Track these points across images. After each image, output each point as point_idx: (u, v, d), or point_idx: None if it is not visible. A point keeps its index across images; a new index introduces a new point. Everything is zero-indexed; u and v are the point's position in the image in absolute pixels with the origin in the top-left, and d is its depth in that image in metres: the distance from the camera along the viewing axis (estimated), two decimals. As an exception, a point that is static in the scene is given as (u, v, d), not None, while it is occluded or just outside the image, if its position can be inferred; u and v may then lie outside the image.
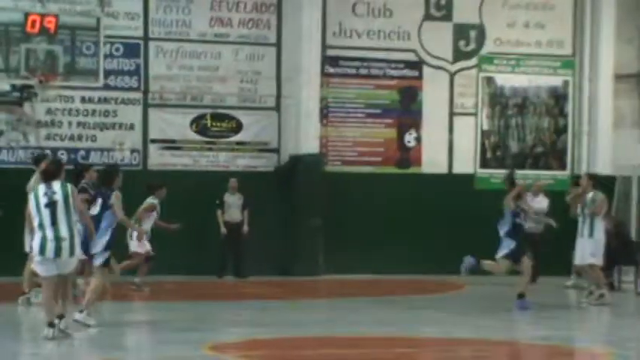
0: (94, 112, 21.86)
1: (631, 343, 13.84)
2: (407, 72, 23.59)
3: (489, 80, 24.01)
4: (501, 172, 23.55)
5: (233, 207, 21.32)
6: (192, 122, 22.49)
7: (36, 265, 12.87)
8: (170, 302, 17.49)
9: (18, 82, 20.57)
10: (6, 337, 13.08)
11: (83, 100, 21.76)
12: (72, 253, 12.56)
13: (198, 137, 22.52)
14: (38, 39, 20.20)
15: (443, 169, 23.70)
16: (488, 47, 23.92)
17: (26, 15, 20.21)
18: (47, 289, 12.68)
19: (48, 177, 12.80)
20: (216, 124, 22.64)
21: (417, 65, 23.59)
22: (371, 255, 21.65)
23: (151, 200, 18.45)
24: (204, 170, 22.18)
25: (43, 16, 20.25)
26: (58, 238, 12.43)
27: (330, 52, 23.09)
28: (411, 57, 23.55)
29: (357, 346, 13.32)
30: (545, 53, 24.19)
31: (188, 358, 11.84)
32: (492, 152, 24.09)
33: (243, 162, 22.62)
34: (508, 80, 24.10)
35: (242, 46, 22.70)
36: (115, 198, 14.04)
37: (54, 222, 12.47)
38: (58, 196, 12.55)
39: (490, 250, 21.27)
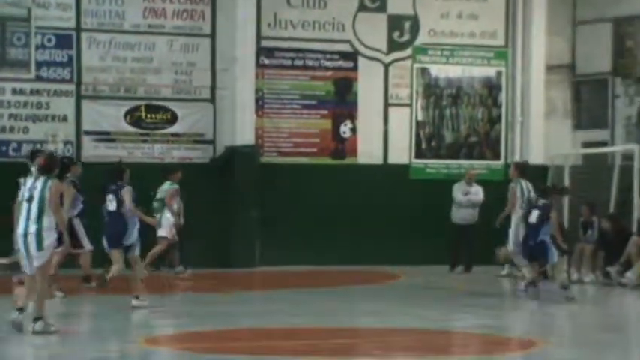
0: (25, 103, 21.61)
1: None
2: (342, 63, 23.58)
3: (424, 71, 24.07)
4: (436, 163, 23.93)
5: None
6: (126, 114, 22.31)
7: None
8: (108, 294, 17.34)
9: (-54, 74, 20.39)
10: None
11: (14, 91, 21.49)
12: (39, 247, 12.58)
13: (132, 129, 22.35)
14: (-34, 30, 19.99)
15: (378, 159, 23.72)
16: (422, 38, 23.97)
17: (-47, 5, 20.00)
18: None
19: (44, 172, 12.94)
20: (150, 116, 22.49)
21: (352, 56, 23.59)
22: (308, 246, 21.63)
23: (171, 186, 19.10)
24: (139, 162, 21.97)
25: (-29, 6, 20.06)
26: (25, 234, 12.61)
27: (265, 44, 23.01)
28: (346, 48, 23.54)
29: (293, 337, 13.30)
30: (479, 44, 24.29)
31: (123, 351, 11.70)
32: (427, 143, 24.15)
33: (178, 154, 22.49)
34: (442, 71, 24.17)
35: (176, 37, 22.55)
36: (127, 193, 15.31)
37: (28, 217, 12.65)
38: (37, 192, 12.69)
39: (424, 238, 21.51)
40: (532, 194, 17.72)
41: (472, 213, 21.71)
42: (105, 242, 15.63)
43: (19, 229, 12.73)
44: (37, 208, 12.64)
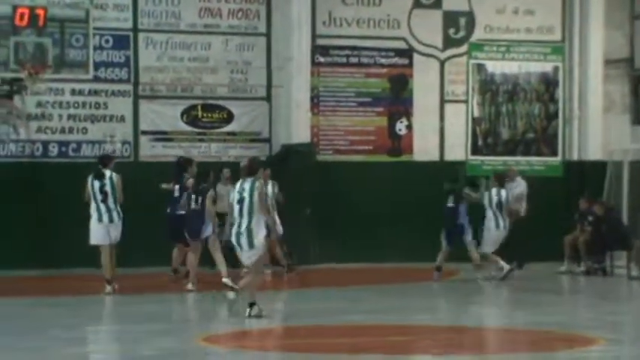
0: (84, 104, 21.78)
1: (624, 328, 13.85)
2: (397, 60, 23.54)
3: (480, 67, 23.96)
4: (492, 159, 23.81)
5: (226, 197, 21.18)
6: (182, 113, 22.43)
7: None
8: (166, 293, 17.47)
9: (7, 75, 20.58)
10: None
11: (73, 92, 21.67)
12: (251, 245, 13.82)
13: (189, 128, 22.46)
14: (27, 32, 20.18)
15: (434, 156, 23.65)
16: (478, 34, 23.87)
17: (15, 7, 20.22)
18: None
19: (249, 174, 14.06)
20: (207, 115, 22.59)
21: (407, 53, 23.53)
22: (364, 244, 21.65)
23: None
24: (196, 161, 22.07)
25: (31, 8, 20.24)
26: (238, 233, 13.86)
27: (320, 42, 23.02)
28: (401, 45, 23.49)
29: (350, 334, 13.30)
30: (535, 39, 24.14)
31: (183, 350, 11.76)
32: (483, 139, 24.03)
33: (234, 152, 22.55)
34: (498, 67, 24.04)
35: (232, 37, 22.63)
36: (209, 197, 17.35)
37: (240, 216, 13.83)
38: (246, 194, 13.84)
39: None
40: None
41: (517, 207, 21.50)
42: (186, 235, 17.26)
43: (234, 228, 13.84)
44: (247, 209, 13.74)
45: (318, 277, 20.63)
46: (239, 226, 13.79)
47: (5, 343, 12.15)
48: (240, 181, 14.10)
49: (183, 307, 16.51)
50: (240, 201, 13.84)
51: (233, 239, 13.91)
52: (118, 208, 17.17)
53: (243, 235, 13.75)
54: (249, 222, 13.74)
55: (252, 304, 13.80)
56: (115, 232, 17.17)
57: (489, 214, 19.32)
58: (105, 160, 17.75)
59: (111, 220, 17.09)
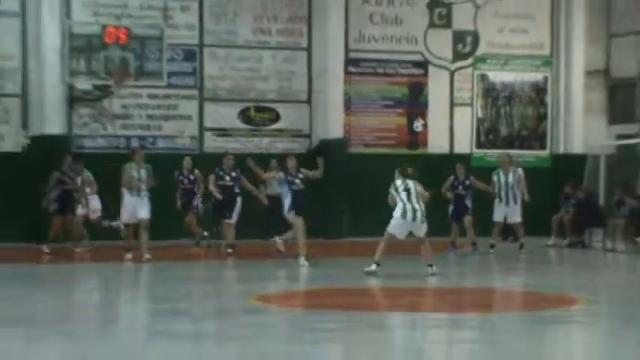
0: (159, 106, 21.88)
1: (601, 291, 13.82)
2: (415, 70, 23.50)
3: (483, 77, 23.89)
4: (493, 152, 23.72)
5: (273, 183, 21.24)
6: (239, 113, 22.49)
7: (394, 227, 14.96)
8: (224, 261, 17.48)
9: (98, 82, 20.65)
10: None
11: (150, 96, 21.77)
12: (424, 220, 14.95)
13: (244, 126, 22.53)
14: (114, 47, 20.22)
15: (445, 149, 23.62)
16: (481, 49, 23.80)
17: (104, 28, 20.24)
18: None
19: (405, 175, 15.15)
20: (259, 115, 22.64)
21: (423, 65, 23.50)
22: (386, 220, 21.55)
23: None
24: (249, 153, 22.10)
25: (117, 28, 20.28)
26: (414, 210, 14.80)
27: (352, 55, 23.02)
28: (418, 58, 23.45)
29: (377, 295, 13.31)
30: (528, 54, 24.06)
31: (239, 308, 11.83)
32: (486, 136, 23.99)
33: (281, 145, 22.61)
34: (498, 77, 24.00)
35: (279, 51, 22.66)
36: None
37: (410, 200, 14.82)
38: (412, 185, 15.01)
39: (482, 214, 21.30)
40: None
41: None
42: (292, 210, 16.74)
43: (407, 207, 14.84)
44: (415, 195, 14.88)
45: (349, 249, 20.65)
46: (414, 206, 14.81)
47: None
48: (402, 179, 15.09)
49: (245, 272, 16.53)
50: (407, 190, 14.92)
51: (409, 215, 14.74)
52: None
53: (419, 213, 14.79)
54: (420, 205, 14.84)
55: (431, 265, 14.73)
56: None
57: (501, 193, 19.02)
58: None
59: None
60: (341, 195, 21.92)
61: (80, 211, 18.51)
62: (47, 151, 20.14)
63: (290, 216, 16.72)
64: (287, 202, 16.78)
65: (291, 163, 16.90)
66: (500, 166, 19.16)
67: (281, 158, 21.47)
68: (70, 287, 14.09)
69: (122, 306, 12.22)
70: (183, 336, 9.57)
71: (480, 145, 23.88)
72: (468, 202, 18.92)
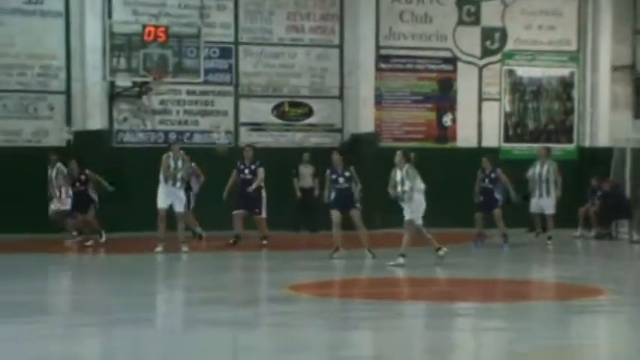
0: (196, 102, 22.01)
1: (627, 282, 13.78)
2: (444, 66, 23.47)
3: (510, 72, 23.82)
4: (521, 145, 23.68)
5: (306, 176, 21.44)
6: (273, 109, 22.57)
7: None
8: (258, 252, 17.56)
9: (138, 79, 20.72)
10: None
11: (188, 92, 21.90)
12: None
13: (278, 121, 22.61)
14: (153, 45, 20.25)
15: (473, 143, 23.58)
16: (509, 46, 23.73)
17: (144, 27, 20.34)
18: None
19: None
20: (292, 110, 22.71)
21: (452, 61, 23.47)
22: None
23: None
24: (283, 147, 22.29)
25: (156, 27, 20.38)
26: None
27: (383, 52, 23.03)
28: (447, 54, 23.42)
29: (406, 285, 13.36)
30: (555, 50, 23.96)
31: (272, 296, 11.91)
32: (513, 130, 23.93)
33: (314, 140, 22.68)
34: (526, 72, 23.89)
35: (312, 48, 22.71)
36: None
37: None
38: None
39: (509, 207, 21.25)
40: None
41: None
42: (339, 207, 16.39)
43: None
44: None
45: (381, 239, 20.68)
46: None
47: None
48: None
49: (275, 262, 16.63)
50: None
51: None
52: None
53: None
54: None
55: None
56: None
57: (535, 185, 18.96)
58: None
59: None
60: (372, 187, 21.90)
61: (54, 205, 18.56)
62: (89, 146, 20.36)
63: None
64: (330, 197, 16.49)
65: (336, 157, 16.60)
66: (538, 158, 19.15)
67: (313, 151, 21.65)
68: (111, 277, 14.25)
69: (162, 295, 12.37)
70: (221, 323, 9.70)
71: (507, 139, 23.83)
72: (497, 195, 18.85)
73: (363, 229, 16.41)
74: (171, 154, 17.28)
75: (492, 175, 18.93)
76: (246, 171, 18.12)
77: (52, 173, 18.70)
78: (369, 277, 13.97)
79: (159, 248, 16.70)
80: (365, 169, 21.66)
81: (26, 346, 8.61)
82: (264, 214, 18.05)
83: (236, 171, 18.23)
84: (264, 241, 17.90)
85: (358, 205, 16.38)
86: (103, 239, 18.38)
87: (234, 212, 17.97)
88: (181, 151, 17.71)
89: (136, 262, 15.98)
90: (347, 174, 16.45)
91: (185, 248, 16.77)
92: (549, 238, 18.56)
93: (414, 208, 15.05)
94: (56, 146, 20.47)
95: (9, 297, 11.51)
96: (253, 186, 17.89)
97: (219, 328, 9.44)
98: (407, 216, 15.11)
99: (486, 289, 13.05)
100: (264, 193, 18.13)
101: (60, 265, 15.90)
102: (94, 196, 18.45)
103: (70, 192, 18.54)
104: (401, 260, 14.76)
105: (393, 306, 11.06)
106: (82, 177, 18.42)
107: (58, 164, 18.65)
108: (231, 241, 17.86)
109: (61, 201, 18.56)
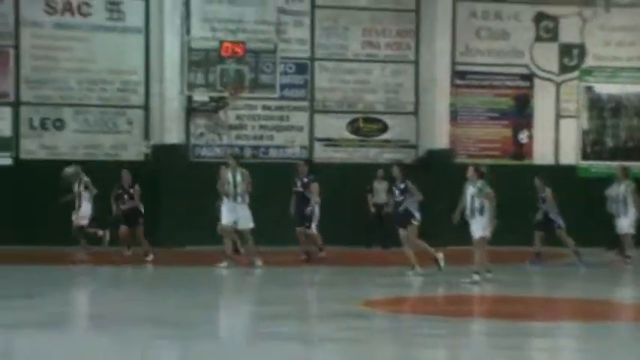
0: (272, 117, 22.18)
1: None
2: (520, 83, 23.29)
3: (589, 89, 23.52)
4: (599, 163, 23.33)
5: (380, 192, 21.40)
6: (348, 124, 22.63)
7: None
8: (329, 267, 17.60)
9: (214, 94, 21.00)
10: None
11: (264, 107, 22.08)
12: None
13: (352, 136, 22.66)
14: (230, 61, 20.53)
15: (550, 160, 23.32)
16: (588, 62, 23.44)
17: (221, 42, 20.60)
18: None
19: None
20: (367, 126, 22.74)
21: (529, 77, 23.28)
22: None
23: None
24: (357, 162, 22.33)
25: (234, 43, 20.62)
26: None
27: (459, 68, 22.94)
28: (523, 71, 23.25)
29: (478, 303, 13.26)
30: (635, 66, 23.60)
31: (347, 312, 11.95)
32: (591, 147, 23.60)
33: (388, 156, 22.64)
34: (604, 89, 23.58)
35: (387, 64, 22.74)
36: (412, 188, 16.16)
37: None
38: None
39: (587, 225, 20.91)
40: None
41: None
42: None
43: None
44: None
45: (451, 256, 20.55)
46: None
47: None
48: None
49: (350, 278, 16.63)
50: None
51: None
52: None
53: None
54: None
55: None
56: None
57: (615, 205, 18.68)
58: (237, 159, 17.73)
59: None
60: (446, 204, 21.78)
61: (74, 217, 18.29)
62: (167, 160, 20.66)
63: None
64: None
65: (395, 170, 16.41)
66: (616, 177, 18.92)
67: (387, 167, 21.61)
68: (179, 290, 14.42)
69: (233, 308, 12.48)
70: (295, 337, 9.75)
71: (585, 157, 23.50)
72: (552, 215, 18.50)
73: (409, 246, 16.03)
74: (229, 168, 17.17)
75: (542, 195, 18.71)
76: (299, 184, 18.17)
77: (79, 187, 18.22)
78: (443, 294, 13.89)
79: (223, 264, 16.71)
80: (439, 185, 21.70)
81: (105, 357, 8.76)
82: (313, 229, 17.99)
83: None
84: (321, 254, 17.95)
85: (414, 221, 15.97)
86: (150, 258, 17.93)
87: (297, 228, 18.09)
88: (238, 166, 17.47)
89: (214, 276, 16.13)
90: (402, 186, 16.15)
91: (259, 262, 16.86)
92: (627, 257, 18.25)
93: (485, 225, 14.88)
94: (135, 160, 20.85)
95: (80, 308, 11.73)
96: (311, 204, 17.85)
97: (292, 343, 9.50)
98: (478, 233, 14.95)
99: (562, 307, 12.88)
100: (316, 209, 18.06)
101: (135, 278, 16.15)
102: (142, 209, 18.24)
103: (89, 208, 18.21)
104: (476, 277, 14.66)
105: (466, 323, 10.98)
106: (131, 190, 18.18)
107: (85, 178, 18.35)
108: (302, 257, 17.93)
109: (80, 214, 18.22)
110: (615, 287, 15.68)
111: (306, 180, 18.18)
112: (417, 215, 16.04)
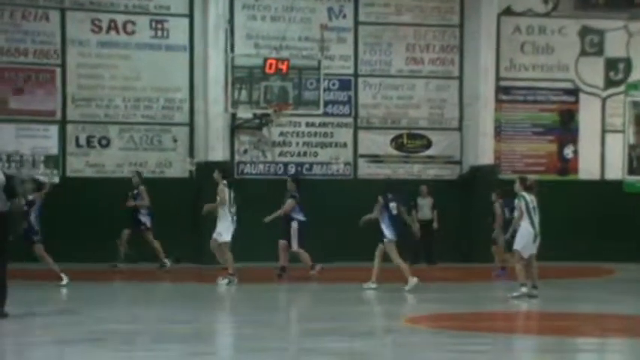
0: (315, 133, 22.21)
1: None
2: (565, 98, 23.13)
3: (635, 103, 23.27)
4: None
5: (424, 208, 21.31)
6: (392, 140, 22.61)
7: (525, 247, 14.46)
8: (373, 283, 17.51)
9: (258, 111, 21.05)
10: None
11: (307, 124, 22.13)
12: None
13: (396, 152, 22.62)
14: (274, 78, 20.61)
15: (596, 176, 23.09)
16: (634, 76, 23.22)
17: (265, 60, 20.69)
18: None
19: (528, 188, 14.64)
20: (410, 142, 22.70)
21: (574, 92, 23.10)
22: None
23: None
24: (401, 178, 22.21)
25: (277, 60, 20.70)
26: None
27: (503, 83, 22.84)
28: (568, 85, 23.09)
29: (524, 319, 13.15)
30: (682, 80, 23.33)
31: (390, 328, 11.88)
32: (638, 162, 23.32)
33: (432, 172, 22.59)
34: (651, 103, 23.35)
35: (431, 80, 22.70)
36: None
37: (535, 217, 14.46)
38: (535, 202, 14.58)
39: (636, 240, 20.66)
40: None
41: None
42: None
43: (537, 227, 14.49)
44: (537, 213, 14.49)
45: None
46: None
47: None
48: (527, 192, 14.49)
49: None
50: (535, 207, 14.48)
51: (536, 235, 14.49)
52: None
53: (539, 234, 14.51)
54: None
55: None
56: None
57: None
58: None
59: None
60: (488, 221, 21.65)
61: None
62: (211, 177, 20.73)
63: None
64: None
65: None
66: None
67: (432, 184, 21.55)
68: (223, 305, 14.45)
69: (279, 324, 12.48)
70: (342, 353, 9.73)
71: (632, 172, 23.22)
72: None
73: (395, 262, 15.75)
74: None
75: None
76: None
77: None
78: (486, 310, 13.79)
79: (225, 281, 16.43)
80: (485, 202, 21.54)
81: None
82: (294, 247, 17.50)
83: (292, 200, 17.89)
84: (312, 272, 17.38)
85: (385, 239, 15.64)
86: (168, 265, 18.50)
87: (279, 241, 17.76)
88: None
89: (257, 293, 16.17)
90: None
91: (316, 268, 16.90)
92: None
93: (518, 239, 14.73)
94: (180, 177, 20.98)
95: (127, 325, 11.80)
96: (268, 217, 17.48)
97: (341, 358, 9.52)
98: (514, 246, 14.87)
99: (610, 324, 12.71)
100: (294, 225, 17.63)
101: (179, 293, 16.22)
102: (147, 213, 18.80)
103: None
104: (523, 289, 14.54)
105: (508, 340, 10.88)
106: (136, 191, 18.89)
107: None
108: (276, 273, 17.60)
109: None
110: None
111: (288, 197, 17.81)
112: (387, 233, 15.67)
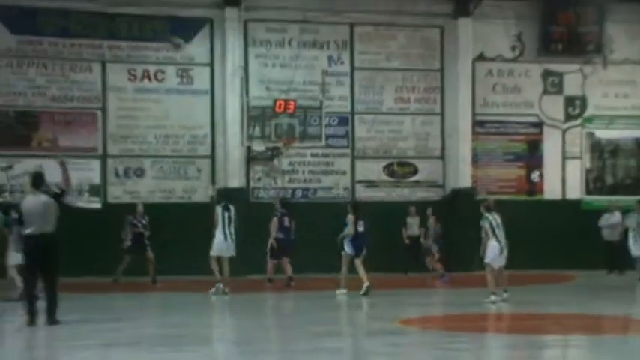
0: (319, 163, 22.32)
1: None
2: (531, 130, 23.27)
3: (590, 134, 23.45)
4: (600, 198, 23.20)
5: (413, 226, 21.42)
6: (384, 168, 22.71)
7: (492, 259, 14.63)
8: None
9: (270, 145, 21.27)
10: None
11: (312, 155, 22.22)
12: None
13: (388, 178, 22.73)
14: (282, 116, 20.82)
15: (558, 196, 23.21)
16: (589, 111, 23.38)
17: (275, 101, 20.91)
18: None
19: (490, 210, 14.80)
20: (400, 169, 22.81)
21: (539, 125, 23.26)
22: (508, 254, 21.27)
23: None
24: (393, 201, 22.39)
25: (286, 101, 20.90)
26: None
27: (478, 118, 22.99)
28: (534, 119, 23.24)
29: (503, 320, 13.20)
30: (631, 114, 23.48)
31: (386, 329, 11.97)
32: (593, 184, 23.47)
33: (419, 194, 22.68)
34: (604, 134, 23.48)
35: (417, 116, 22.84)
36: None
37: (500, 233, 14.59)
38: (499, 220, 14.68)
39: (588, 250, 20.69)
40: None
41: (611, 232, 20.98)
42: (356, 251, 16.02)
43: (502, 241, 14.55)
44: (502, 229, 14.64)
45: (479, 280, 20.44)
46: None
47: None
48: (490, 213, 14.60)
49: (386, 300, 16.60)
50: (498, 225, 14.58)
51: (502, 248, 14.52)
52: (233, 231, 16.31)
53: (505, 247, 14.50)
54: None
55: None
56: (231, 247, 16.36)
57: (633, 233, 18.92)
58: (230, 198, 17.32)
59: (230, 239, 16.27)
60: (470, 235, 21.74)
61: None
62: (230, 201, 20.79)
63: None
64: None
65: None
66: (635, 210, 19.19)
67: (418, 205, 21.65)
68: (247, 313, 14.52)
69: (294, 329, 12.56)
70: (341, 352, 9.81)
71: (588, 192, 23.38)
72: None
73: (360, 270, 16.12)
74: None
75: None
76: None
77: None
78: (471, 312, 13.85)
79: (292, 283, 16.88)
80: (464, 219, 21.65)
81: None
82: (268, 260, 18.02)
83: (276, 219, 18.20)
84: (292, 283, 17.64)
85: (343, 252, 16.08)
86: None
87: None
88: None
89: (273, 302, 16.23)
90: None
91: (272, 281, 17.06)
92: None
93: (487, 253, 14.91)
94: (203, 202, 21.11)
95: (166, 329, 11.87)
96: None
97: (344, 356, 9.59)
98: (485, 260, 15.03)
99: (572, 323, 12.79)
100: (270, 242, 17.99)
101: (200, 303, 16.31)
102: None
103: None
104: (493, 297, 14.63)
105: (492, 339, 10.96)
106: (143, 221, 18.90)
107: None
108: (266, 284, 17.75)
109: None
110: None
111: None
112: (347, 248, 16.08)
